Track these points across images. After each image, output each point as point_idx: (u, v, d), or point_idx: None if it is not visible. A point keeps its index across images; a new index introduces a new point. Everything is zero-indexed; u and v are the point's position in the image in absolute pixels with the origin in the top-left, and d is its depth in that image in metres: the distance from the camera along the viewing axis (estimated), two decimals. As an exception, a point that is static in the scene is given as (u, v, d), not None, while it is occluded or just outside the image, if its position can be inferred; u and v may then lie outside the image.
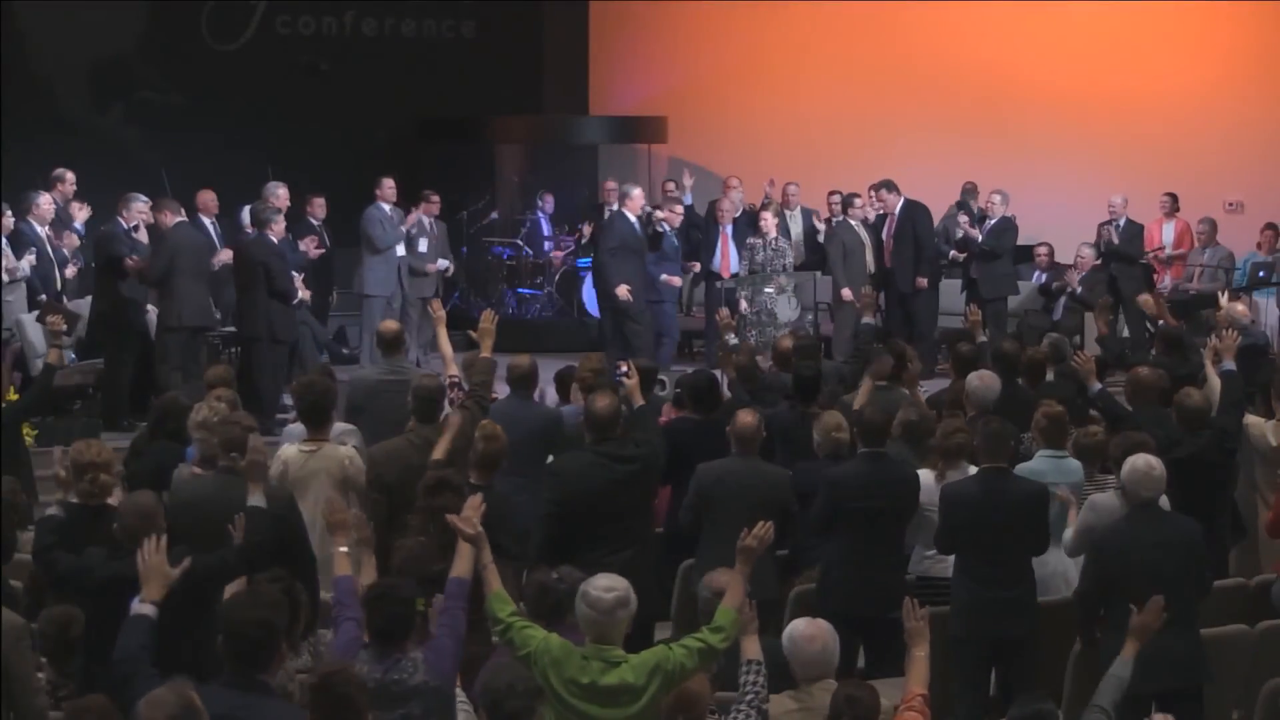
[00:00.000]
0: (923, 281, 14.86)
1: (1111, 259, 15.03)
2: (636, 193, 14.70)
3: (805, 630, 5.80)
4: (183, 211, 12.43)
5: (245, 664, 5.20)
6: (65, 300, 12.57)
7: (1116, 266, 15.02)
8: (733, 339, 10.79)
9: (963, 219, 15.05)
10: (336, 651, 5.67)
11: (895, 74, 17.54)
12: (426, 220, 15.04)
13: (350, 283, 15.34)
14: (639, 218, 14.56)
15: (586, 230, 16.62)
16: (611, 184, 15.98)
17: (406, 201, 15.08)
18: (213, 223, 14.32)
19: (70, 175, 13.71)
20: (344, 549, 6.10)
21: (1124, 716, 6.71)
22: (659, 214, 14.86)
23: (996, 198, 15.00)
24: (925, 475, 7.95)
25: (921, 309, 14.92)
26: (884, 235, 15.03)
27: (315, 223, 14.70)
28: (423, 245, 14.99)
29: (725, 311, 11.12)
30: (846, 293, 14.53)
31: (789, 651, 5.79)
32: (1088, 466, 8.15)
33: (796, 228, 15.80)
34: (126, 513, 6.30)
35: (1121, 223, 15.17)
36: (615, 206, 15.57)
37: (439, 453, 7.75)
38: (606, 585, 5.47)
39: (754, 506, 7.82)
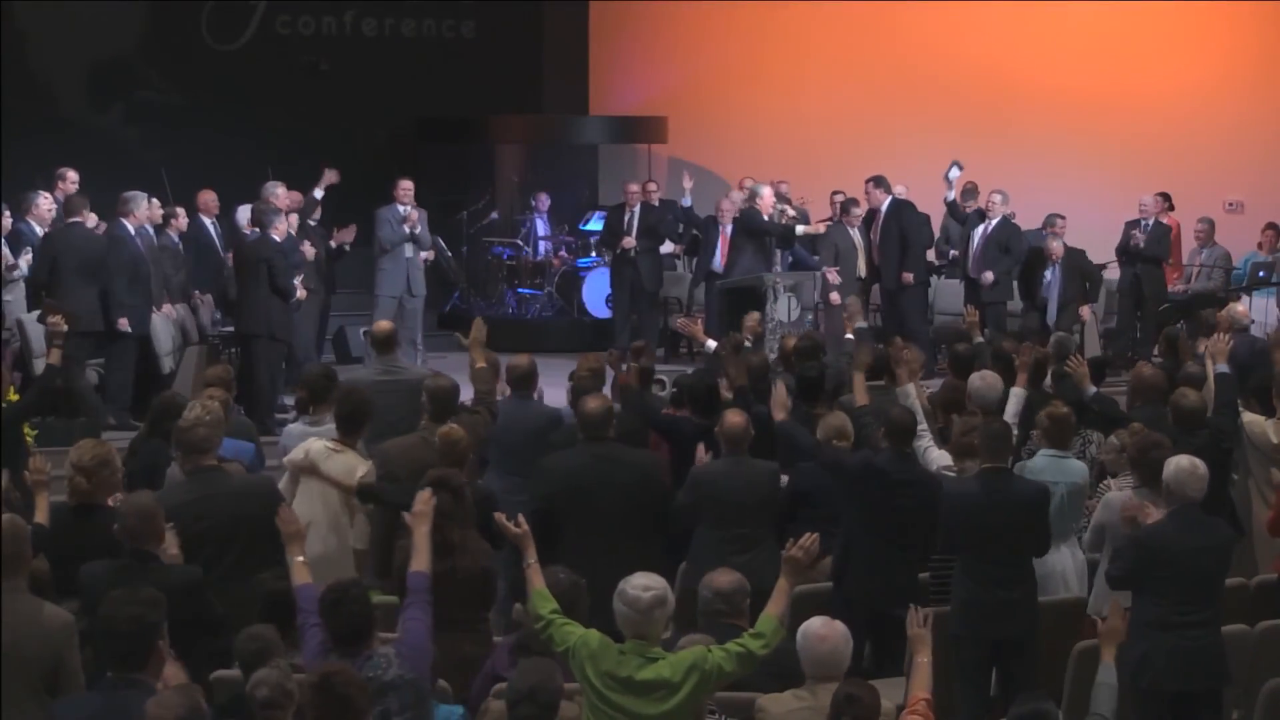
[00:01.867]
0: (908, 277, 14.80)
1: (1137, 260, 15.01)
2: (766, 192, 14.88)
3: (819, 630, 5.79)
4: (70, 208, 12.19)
5: (120, 663, 5.19)
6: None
7: (1142, 268, 15.01)
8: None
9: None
10: (308, 660, 5.67)
11: (895, 74, 17.55)
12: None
13: (350, 282, 15.36)
14: (769, 217, 14.74)
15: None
16: (634, 186, 15.93)
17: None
18: (213, 223, 14.33)
19: (72, 174, 13.69)
20: (300, 558, 6.11)
21: (1143, 712, 6.76)
22: (790, 211, 14.99)
23: (997, 197, 14.95)
24: None
25: (909, 306, 14.87)
26: (871, 233, 15.02)
27: (312, 223, 14.66)
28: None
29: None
30: (834, 296, 14.50)
31: (800, 647, 5.78)
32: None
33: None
34: (126, 513, 6.31)
35: (1149, 223, 15.12)
36: (636, 208, 15.61)
37: None
38: (644, 584, 5.52)
39: (748, 505, 7.88)
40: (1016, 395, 8.89)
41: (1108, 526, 7.56)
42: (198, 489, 7.06)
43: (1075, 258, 14.70)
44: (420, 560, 6.01)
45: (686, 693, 5.43)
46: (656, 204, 15.93)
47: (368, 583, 5.96)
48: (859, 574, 7.68)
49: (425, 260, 15.13)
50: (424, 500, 6.12)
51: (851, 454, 7.95)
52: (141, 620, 5.21)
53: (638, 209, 15.67)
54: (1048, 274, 14.72)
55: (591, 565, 6.67)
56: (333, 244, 14.17)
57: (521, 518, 6.06)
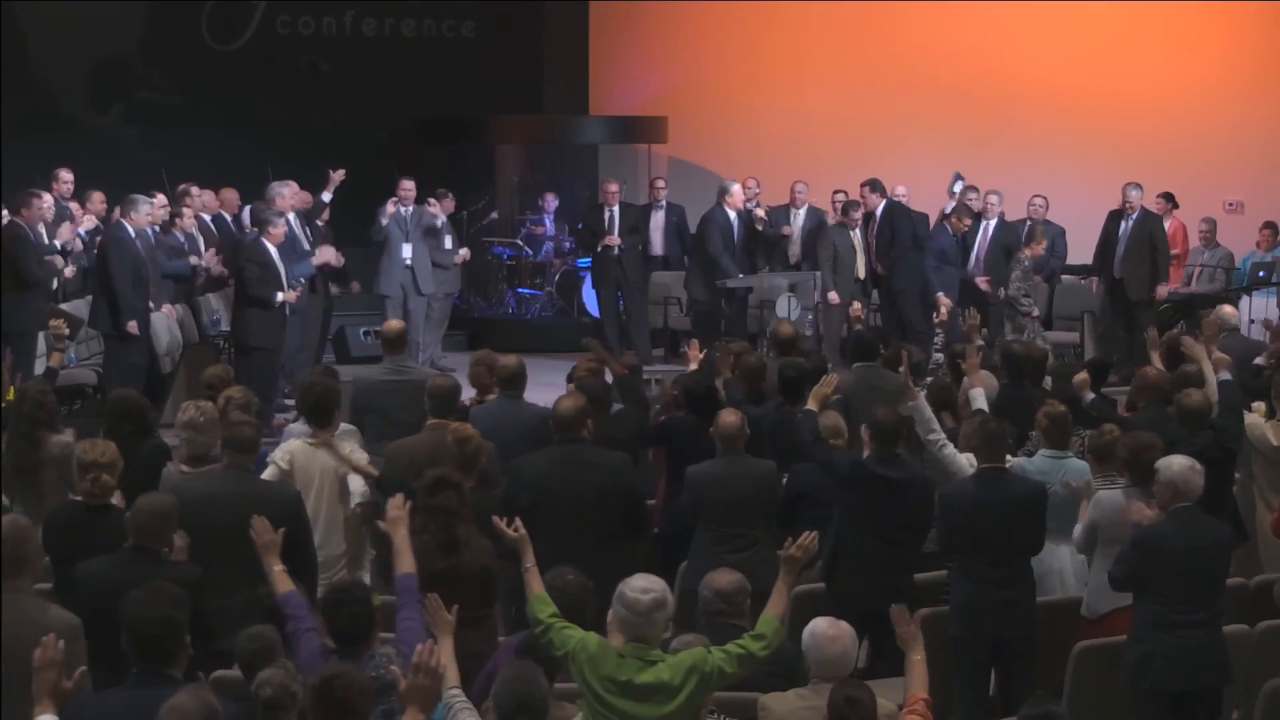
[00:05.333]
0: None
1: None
2: (736, 189, 14.92)
3: (828, 630, 5.79)
4: None
5: (151, 661, 5.25)
6: (64, 300, 12.58)
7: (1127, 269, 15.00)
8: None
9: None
10: (303, 665, 5.67)
11: (895, 74, 17.54)
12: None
13: (350, 282, 15.36)
14: (739, 214, 14.80)
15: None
16: (613, 185, 16.00)
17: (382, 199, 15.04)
18: (233, 219, 14.35)
19: (66, 174, 13.71)
20: (278, 567, 6.14)
21: (1144, 712, 6.76)
22: (759, 211, 15.02)
23: (994, 198, 14.93)
24: None
25: (908, 309, 14.84)
26: (869, 236, 14.98)
27: (319, 224, 14.66)
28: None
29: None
30: (833, 296, 14.48)
31: (808, 646, 5.78)
32: (1104, 466, 8.10)
33: (799, 226, 15.66)
34: (142, 511, 6.32)
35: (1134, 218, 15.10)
36: (615, 207, 15.65)
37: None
38: (643, 586, 5.50)
39: (745, 505, 7.89)
40: (975, 395, 8.96)
41: (1100, 526, 7.54)
42: (227, 485, 7.15)
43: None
44: (405, 563, 6.08)
45: (686, 695, 5.41)
46: (664, 203, 16.06)
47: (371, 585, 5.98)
48: (850, 573, 7.64)
49: (462, 260, 15.22)
50: (397, 505, 6.19)
51: (842, 454, 7.94)
52: (170, 620, 5.30)
53: (617, 208, 15.77)
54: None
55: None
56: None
57: (519, 521, 6.04)
